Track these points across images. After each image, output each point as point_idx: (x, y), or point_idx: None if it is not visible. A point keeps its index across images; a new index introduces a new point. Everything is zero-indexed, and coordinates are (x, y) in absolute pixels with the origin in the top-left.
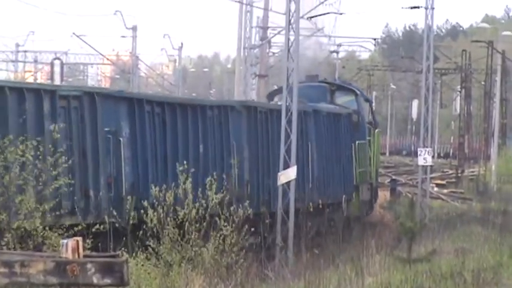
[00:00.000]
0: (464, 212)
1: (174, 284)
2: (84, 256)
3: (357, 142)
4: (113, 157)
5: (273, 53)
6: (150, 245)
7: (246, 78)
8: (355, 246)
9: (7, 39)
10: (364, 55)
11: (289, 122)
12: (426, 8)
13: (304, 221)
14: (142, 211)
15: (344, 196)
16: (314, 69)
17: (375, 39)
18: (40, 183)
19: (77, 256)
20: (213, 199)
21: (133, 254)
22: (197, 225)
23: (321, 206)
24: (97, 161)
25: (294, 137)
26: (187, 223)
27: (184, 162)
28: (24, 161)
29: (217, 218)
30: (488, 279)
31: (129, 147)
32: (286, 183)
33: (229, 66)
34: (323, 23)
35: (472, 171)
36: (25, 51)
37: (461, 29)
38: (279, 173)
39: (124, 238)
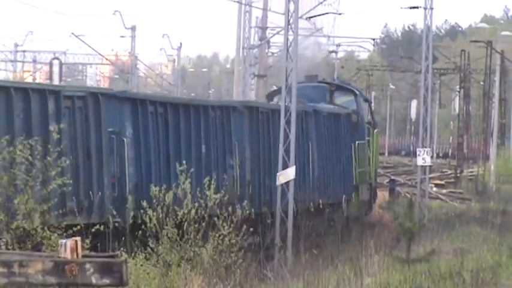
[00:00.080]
0: (463, 212)
1: (173, 284)
2: (83, 256)
3: (356, 142)
4: (117, 157)
5: (272, 53)
6: (149, 245)
7: (245, 78)
8: (354, 247)
9: (6, 39)
10: (363, 55)
11: (288, 122)
12: (425, 8)
13: (304, 221)
14: (142, 211)
15: (344, 196)
16: (313, 70)
17: (373, 40)
18: (38, 184)
19: (75, 256)
20: (211, 199)
21: (133, 254)
22: (196, 225)
23: (321, 206)
24: (101, 161)
25: (292, 137)
26: (186, 223)
27: (185, 162)
28: (23, 161)
29: (216, 218)
30: (487, 279)
31: (132, 147)
32: (286, 183)
33: (228, 66)
34: (322, 23)
35: (471, 171)
36: (24, 51)
37: (460, 29)
38: (278, 173)
39: (123, 238)
